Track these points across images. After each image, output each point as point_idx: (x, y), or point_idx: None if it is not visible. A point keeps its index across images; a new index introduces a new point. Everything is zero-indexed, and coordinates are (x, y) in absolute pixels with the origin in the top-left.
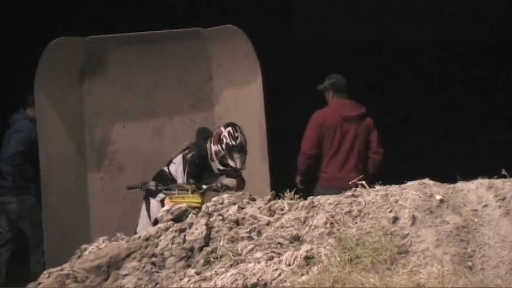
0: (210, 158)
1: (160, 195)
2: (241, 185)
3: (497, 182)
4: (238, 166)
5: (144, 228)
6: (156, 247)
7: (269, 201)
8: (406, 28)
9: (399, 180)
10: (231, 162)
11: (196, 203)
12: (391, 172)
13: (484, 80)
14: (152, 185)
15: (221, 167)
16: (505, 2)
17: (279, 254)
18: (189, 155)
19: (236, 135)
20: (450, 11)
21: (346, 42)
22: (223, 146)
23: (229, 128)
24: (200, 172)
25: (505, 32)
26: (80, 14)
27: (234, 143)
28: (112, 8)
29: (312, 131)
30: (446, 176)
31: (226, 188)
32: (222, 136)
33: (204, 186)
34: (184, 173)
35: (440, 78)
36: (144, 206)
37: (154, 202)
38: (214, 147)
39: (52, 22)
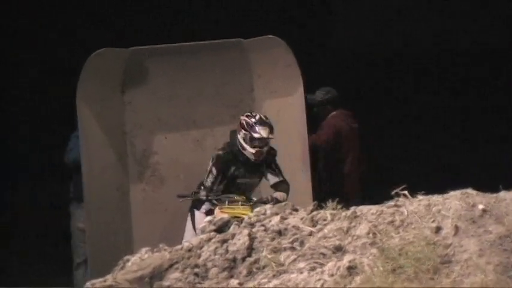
0: (241, 148)
1: (205, 207)
2: (287, 191)
3: None
4: (264, 135)
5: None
6: (199, 258)
7: (311, 211)
8: (444, 36)
9: (441, 190)
10: (256, 135)
11: (246, 214)
12: (433, 182)
13: None
14: (203, 194)
15: (254, 150)
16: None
17: (322, 265)
18: (215, 153)
19: (253, 114)
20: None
21: (386, 51)
22: (245, 126)
23: (246, 113)
24: (223, 170)
25: None
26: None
27: (253, 120)
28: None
29: (331, 133)
30: (488, 186)
31: (276, 201)
32: (242, 121)
33: (254, 199)
34: (207, 172)
35: (480, 86)
36: (189, 218)
37: (198, 214)
38: (240, 135)
39: (53, 22)
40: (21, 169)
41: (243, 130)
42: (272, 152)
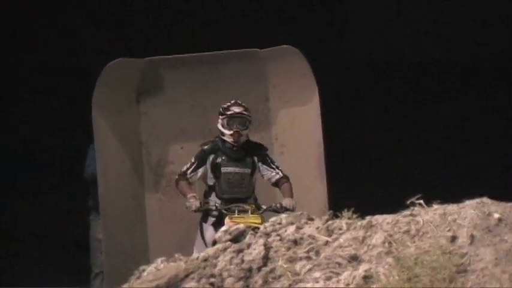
0: (221, 135)
1: (212, 219)
2: (291, 190)
3: None
4: (237, 110)
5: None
6: (215, 267)
7: (327, 221)
8: (463, 45)
9: (457, 198)
10: (229, 112)
11: (257, 223)
12: (448, 190)
13: None
14: (212, 204)
15: (231, 131)
16: None
17: (338, 274)
18: None
19: (226, 103)
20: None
21: (401, 60)
22: (221, 111)
23: None
24: (201, 159)
25: None
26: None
27: (227, 103)
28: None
29: None
30: (504, 195)
31: (285, 210)
32: (219, 110)
33: (264, 207)
34: None
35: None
36: (198, 231)
37: (206, 226)
38: (219, 123)
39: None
40: (40, 179)
41: (220, 116)
42: (261, 147)
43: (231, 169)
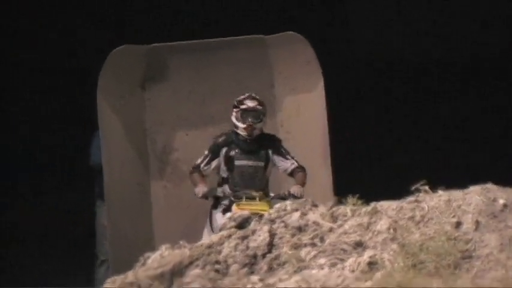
0: (235, 127)
1: (221, 206)
2: (304, 178)
3: None
4: (251, 105)
5: None
6: (219, 254)
7: (332, 207)
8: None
9: (461, 185)
10: (243, 107)
11: (264, 210)
12: (454, 178)
13: None
14: (220, 191)
15: (245, 125)
16: None
17: (342, 260)
18: None
19: (241, 96)
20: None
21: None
22: (236, 104)
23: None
24: (214, 151)
25: None
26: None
27: (242, 97)
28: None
29: None
30: (508, 180)
31: (294, 197)
32: (234, 103)
33: (272, 194)
34: None
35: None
36: (208, 219)
37: (215, 213)
38: (233, 116)
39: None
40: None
41: (234, 109)
42: (275, 138)
43: (244, 162)
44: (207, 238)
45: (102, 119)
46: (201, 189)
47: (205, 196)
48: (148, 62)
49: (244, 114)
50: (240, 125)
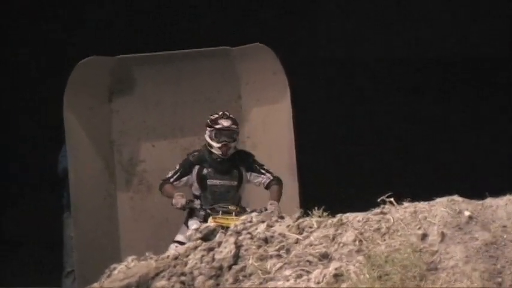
0: (209, 146)
1: (192, 223)
2: (280, 190)
3: None
4: (226, 124)
5: None
6: (185, 266)
7: (298, 219)
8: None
9: (427, 196)
10: (218, 126)
11: None
12: (420, 188)
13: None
14: (197, 203)
15: (219, 144)
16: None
17: (308, 272)
18: None
19: (217, 112)
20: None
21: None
22: (209, 123)
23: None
24: (185, 167)
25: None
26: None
27: (215, 115)
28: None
29: None
30: (474, 192)
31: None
32: (206, 121)
33: (248, 210)
34: None
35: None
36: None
37: (191, 222)
38: (206, 134)
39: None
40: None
41: (208, 128)
42: (247, 155)
43: (217, 182)
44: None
45: (68, 130)
46: (179, 200)
47: (183, 208)
48: (114, 73)
49: (219, 133)
50: (215, 144)
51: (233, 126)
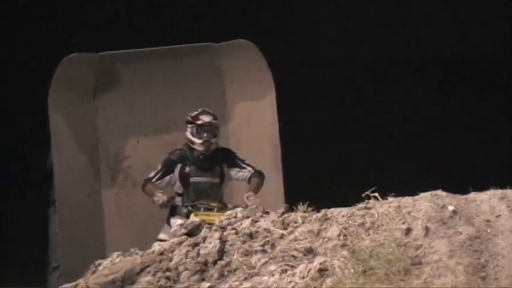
0: (191, 143)
1: (174, 221)
2: (261, 183)
3: (510, 192)
4: (207, 120)
5: None
6: (170, 261)
7: (282, 214)
8: (412, 44)
9: (412, 191)
10: (199, 122)
11: None
12: (404, 183)
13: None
14: (178, 200)
15: (201, 140)
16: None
17: (293, 267)
18: None
19: (197, 109)
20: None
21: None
22: (190, 120)
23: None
24: (166, 166)
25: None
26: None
27: (195, 112)
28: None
29: None
30: (458, 187)
31: None
32: (186, 119)
33: (230, 206)
34: None
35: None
36: (165, 223)
37: (173, 221)
38: (187, 132)
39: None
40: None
41: (188, 125)
42: (229, 152)
43: (199, 179)
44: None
45: (53, 127)
46: (160, 198)
47: (165, 205)
48: (99, 70)
49: (200, 129)
50: (197, 140)
51: (214, 121)
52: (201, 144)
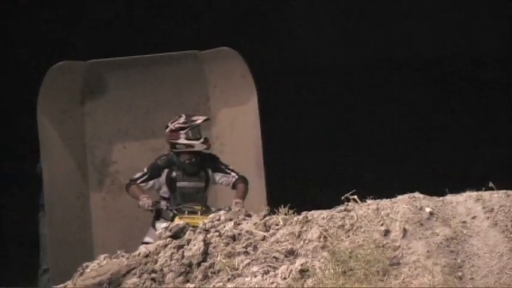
0: (189, 147)
1: (159, 225)
2: (246, 189)
3: (485, 194)
4: (203, 118)
5: None
6: (156, 263)
7: (264, 216)
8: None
9: (390, 194)
10: (199, 121)
11: None
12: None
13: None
14: (163, 204)
15: (202, 139)
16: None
17: (275, 268)
18: None
19: (176, 118)
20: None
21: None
22: (182, 126)
23: (170, 123)
24: (153, 171)
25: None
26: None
27: (182, 118)
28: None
29: None
30: (435, 190)
31: None
32: (174, 127)
33: (213, 209)
34: None
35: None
36: (151, 227)
37: (158, 225)
38: (181, 139)
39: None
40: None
41: (181, 132)
42: (213, 157)
43: (186, 183)
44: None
45: (42, 133)
46: (145, 202)
47: (150, 209)
48: (86, 77)
49: (195, 130)
50: (196, 142)
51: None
52: (203, 143)
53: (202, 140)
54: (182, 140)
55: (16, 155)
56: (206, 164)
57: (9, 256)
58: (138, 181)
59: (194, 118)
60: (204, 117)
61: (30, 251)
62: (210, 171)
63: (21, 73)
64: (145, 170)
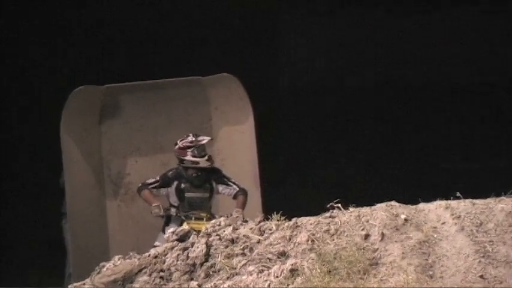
0: (195, 164)
1: (166, 229)
2: (245, 200)
3: (453, 203)
4: (208, 138)
5: None
6: (164, 263)
7: (259, 222)
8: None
9: (369, 202)
10: (204, 141)
11: None
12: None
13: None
14: (173, 211)
15: (206, 157)
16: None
17: (268, 268)
18: None
19: (183, 137)
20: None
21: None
22: (189, 145)
23: (178, 142)
24: (163, 180)
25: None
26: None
27: (189, 138)
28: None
29: None
30: (409, 199)
31: None
32: (182, 146)
33: (217, 216)
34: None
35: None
36: (161, 232)
37: (167, 229)
38: (188, 156)
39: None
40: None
41: (188, 150)
42: (216, 170)
43: (193, 194)
44: (160, 241)
45: (64, 149)
46: (158, 209)
47: (161, 216)
48: (103, 100)
49: (201, 148)
50: (200, 159)
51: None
52: (208, 160)
53: (206, 157)
54: (189, 157)
55: (41, 168)
56: (211, 176)
57: (36, 261)
58: (150, 186)
59: (200, 138)
60: (208, 138)
61: (55, 257)
62: (214, 183)
63: (46, 96)
64: (157, 177)
